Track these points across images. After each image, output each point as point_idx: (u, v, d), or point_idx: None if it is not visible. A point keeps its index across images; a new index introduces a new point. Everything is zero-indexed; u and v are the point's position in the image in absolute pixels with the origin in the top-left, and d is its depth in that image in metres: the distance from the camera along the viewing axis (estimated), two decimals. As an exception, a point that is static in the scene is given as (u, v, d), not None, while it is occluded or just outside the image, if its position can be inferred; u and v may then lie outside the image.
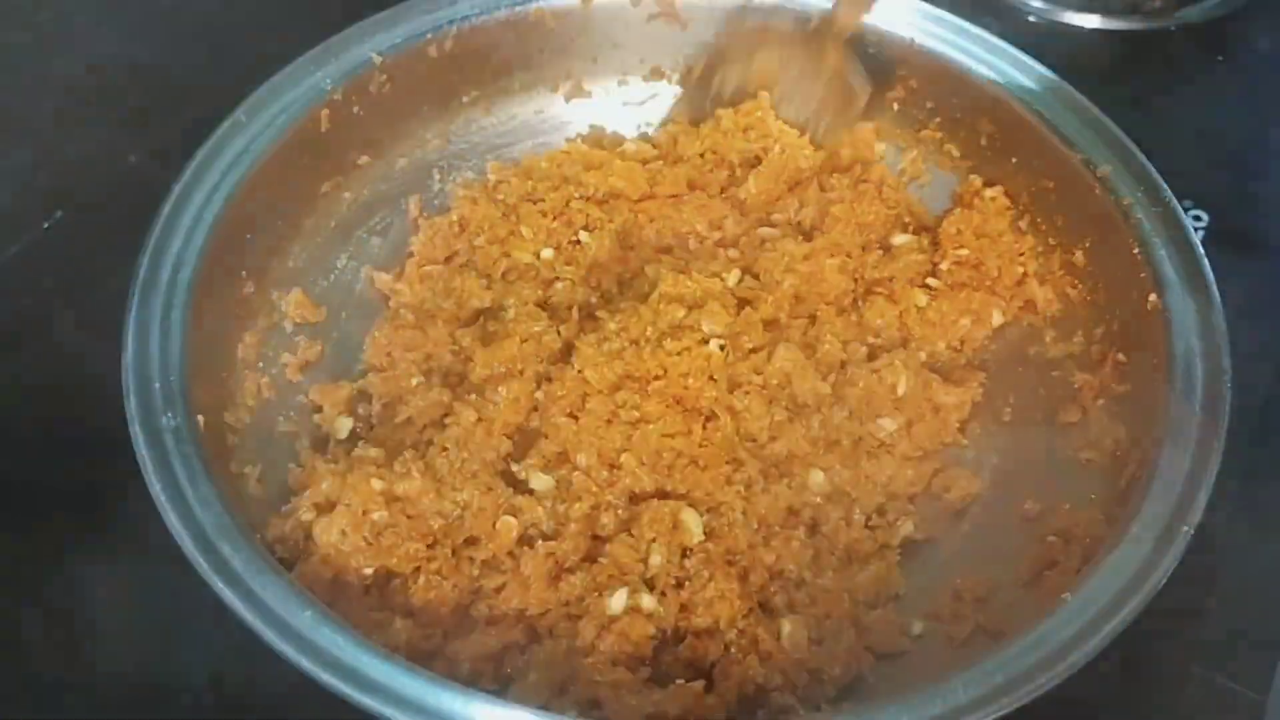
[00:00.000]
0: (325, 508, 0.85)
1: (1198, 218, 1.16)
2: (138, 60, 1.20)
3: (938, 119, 1.12)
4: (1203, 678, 0.89)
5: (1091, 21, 1.36)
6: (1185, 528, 0.80)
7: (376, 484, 0.85)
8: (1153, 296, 0.92)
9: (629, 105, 1.18)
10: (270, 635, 0.71)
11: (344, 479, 0.86)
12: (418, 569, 0.86)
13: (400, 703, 0.69)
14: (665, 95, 1.18)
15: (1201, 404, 0.86)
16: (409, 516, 0.86)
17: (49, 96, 1.12)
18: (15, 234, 1.15)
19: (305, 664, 0.70)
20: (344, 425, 0.97)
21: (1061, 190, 1.03)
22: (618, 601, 0.84)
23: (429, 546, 0.86)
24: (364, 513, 0.84)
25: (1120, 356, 0.95)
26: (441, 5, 1.08)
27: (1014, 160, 1.07)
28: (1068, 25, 1.36)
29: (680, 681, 0.81)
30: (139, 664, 0.88)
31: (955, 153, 1.12)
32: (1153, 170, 0.99)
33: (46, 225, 1.17)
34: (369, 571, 0.85)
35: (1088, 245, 1.01)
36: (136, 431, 0.80)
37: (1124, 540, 0.80)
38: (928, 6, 1.10)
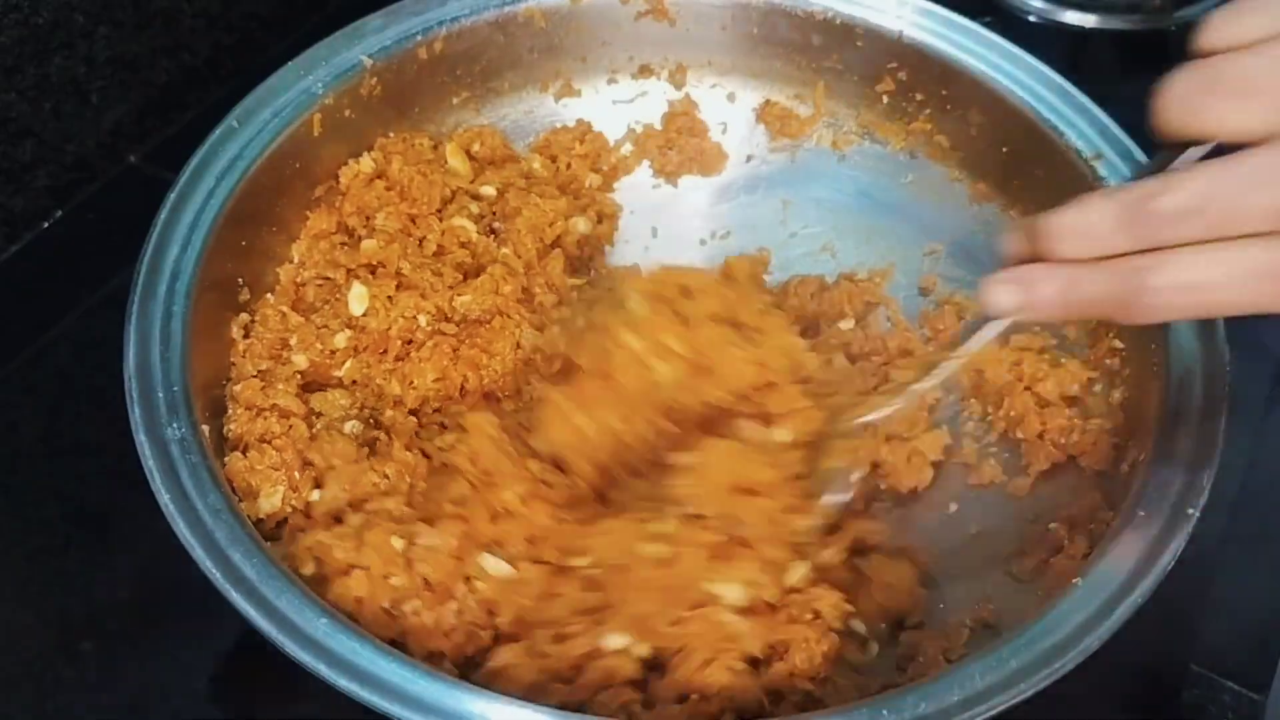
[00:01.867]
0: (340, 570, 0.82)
1: (1197, 218, 1.16)
2: (137, 60, 1.20)
3: (927, 111, 1.12)
4: (1203, 678, 0.89)
5: (1091, 21, 1.36)
6: (1191, 510, 0.79)
7: (397, 543, 0.82)
8: (1148, 281, 0.92)
9: (618, 103, 1.18)
10: (287, 643, 0.72)
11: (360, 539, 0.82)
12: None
13: (423, 708, 0.69)
14: (654, 93, 1.18)
15: (1202, 386, 0.86)
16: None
17: (49, 96, 1.12)
18: (15, 234, 1.16)
19: (324, 671, 0.71)
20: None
21: (1052, 177, 1.03)
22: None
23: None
24: (385, 577, 0.81)
25: (1117, 342, 0.95)
26: (431, 6, 1.08)
27: (1005, 150, 1.07)
28: (1068, 25, 1.36)
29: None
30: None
31: (945, 144, 1.12)
32: (1140, 153, 0.98)
33: (46, 225, 1.18)
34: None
35: (1079, 233, 1.01)
36: (142, 441, 0.80)
37: (1130, 524, 0.80)
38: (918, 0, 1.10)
